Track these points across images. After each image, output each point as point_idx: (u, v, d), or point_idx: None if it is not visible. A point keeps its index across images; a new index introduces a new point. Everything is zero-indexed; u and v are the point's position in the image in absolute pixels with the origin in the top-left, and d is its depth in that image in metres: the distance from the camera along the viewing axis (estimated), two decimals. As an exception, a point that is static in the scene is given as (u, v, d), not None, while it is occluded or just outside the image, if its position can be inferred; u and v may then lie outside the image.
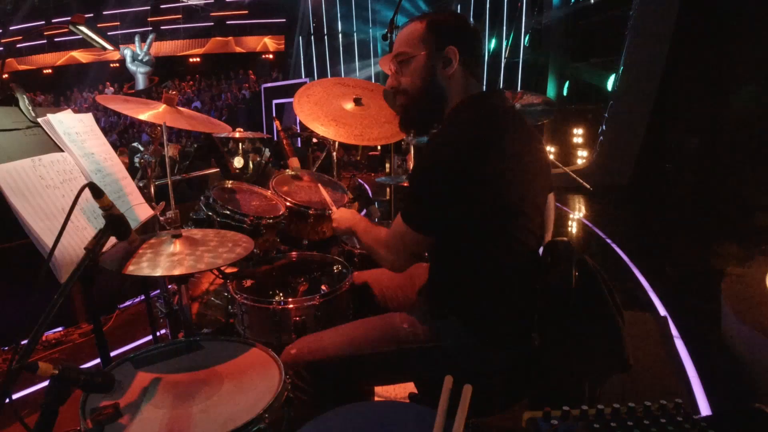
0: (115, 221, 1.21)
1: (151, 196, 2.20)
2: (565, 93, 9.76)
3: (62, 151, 1.70)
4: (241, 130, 3.48)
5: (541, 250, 1.53)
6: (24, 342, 1.00)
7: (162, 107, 2.10)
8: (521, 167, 1.33)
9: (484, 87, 1.50)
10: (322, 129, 2.28)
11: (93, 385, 1.07)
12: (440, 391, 1.01)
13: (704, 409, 2.36)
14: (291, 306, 1.71)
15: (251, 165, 3.58)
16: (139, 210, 1.92)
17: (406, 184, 2.97)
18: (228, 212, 2.03)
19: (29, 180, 1.48)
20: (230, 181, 2.32)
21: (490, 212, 1.32)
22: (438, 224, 1.37)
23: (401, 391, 2.07)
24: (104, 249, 1.26)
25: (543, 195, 1.47)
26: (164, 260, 1.42)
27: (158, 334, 2.32)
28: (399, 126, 1.58)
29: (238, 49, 23.27)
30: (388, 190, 3.41)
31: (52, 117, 1.72)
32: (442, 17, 1.44)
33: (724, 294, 2.84)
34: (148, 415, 1.15)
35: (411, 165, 3.47)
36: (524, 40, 11.37)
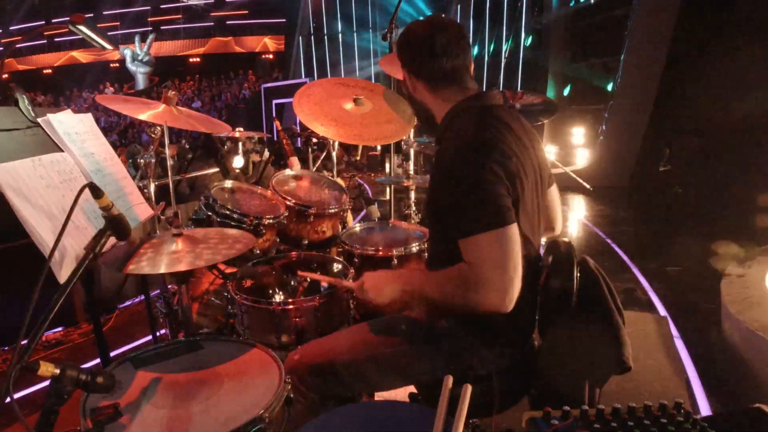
0: (115, 221, 1.21)
1: (151, 196, 2.20)
2: (565, 93, 9.76)
3: (62, 151, 1.70)
4: (241, 130, 3.49)
5: (542, 250, 1.53)
6: (24, 342, 1.00)
7: (162, 107, 2.10)
8: (520, 165, 1.33)
9: (484, 86, 1.49)
10: (322, 129, 2.28)
11: (93, 385, 1.07)
12: (440, 391, 1.01)
13: (704, 409, 2.36)
14: (291, 306, 1.71)
15: (251, 165, 3.58)
16: (139, 210, 1.92)
17: (404, 184, 2.97)
18: (228, 212, 2.03)
19: (29, 180, 1.48)
20: (230, 181, 2.32)
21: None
22: (509, 205, 1.23)
23: (401, 391, 2.06)
24: (104, 249, 1.26)
25: (542, 193, 1.47)
26: (164, 258, 1.42)
27: (158, 334, 2.32)
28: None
29: (238, 49, 23.28)
30: (388, 190, 3.41)
31: (52, 117, 1.72)
32: (405, 35, 1.49)
33: (724, 294, 2.84)
34: (148, 415, 1.15)
35: (410, 167, 3.47)
36: (524, 41, 11.37)
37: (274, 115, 13.41)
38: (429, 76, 1.44)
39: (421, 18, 1.60)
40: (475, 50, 13.10)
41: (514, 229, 1.21)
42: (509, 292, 1.17)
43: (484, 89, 1.50)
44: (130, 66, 20.91)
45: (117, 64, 22.33)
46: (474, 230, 1.20)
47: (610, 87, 8.15)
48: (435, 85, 1.45)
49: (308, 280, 2.04)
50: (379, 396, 1.68)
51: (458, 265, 1.24)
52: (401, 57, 1.49)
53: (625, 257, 4.52)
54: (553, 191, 1.59)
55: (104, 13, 22.54)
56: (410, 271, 1.54)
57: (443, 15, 1.52)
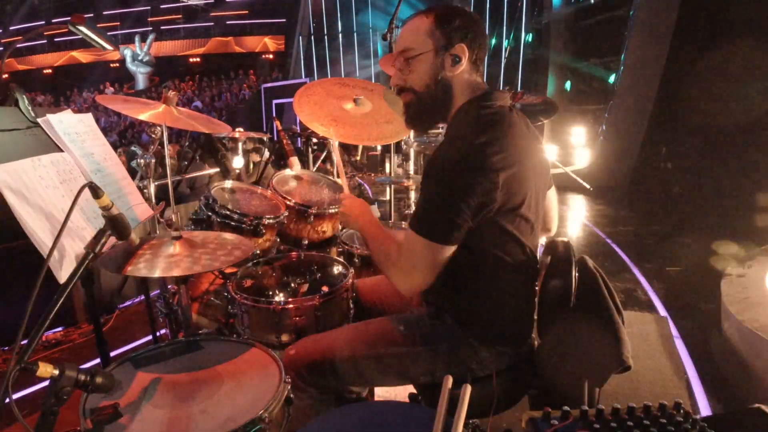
0: (114, 221, 1.21)
1: (151, 196, 2.20)
2: (565, 93, 9.76)
3: (62, 151, 1.70)
4: (241, 130, 3.49)
5: (541, 250, 1.53)
6: (24, 342, 1.00)
7: (162, 107, 2.10)
8: (524, 168, 1.33)
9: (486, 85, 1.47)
10: (322, 129, 2.28)
11: (93, 385, 1.07)
12: (440, 391, 1.01)
13: (704, 409, 2.36)
14: (291, 306, 1.71)
15: (251, 165, 3.58)
16: (138, 210, 1.92)
17: (404, 184, 2.97)
18: (228, 212, 2.02)
19: (29, 180, 1.48)
20: (230, 181, 2.32)
21: (495, 214, 1.30)
22: (461, 232, 1.29)
23: (401, 391, 2.07)
24: (104, 249, 1.26)
25: (542, 195, 1.47)
26: (162, 261, 1.42)
27: (158, 334, 2.32)
28: (405, 123, 1.52)
29: (238, 49, 23.29)
30: (388, 190, 3.41)
31: (51, 117, 1.72)
32: (450, 12, 1.38)
33: (724, 294, 2.84)
34: (148, 415, 1.15)
35: (410, 167, 3.48)
36: (524, 40, 11.37)
37: (274, 115, 13.42)
38: (479, 55, 1.40)
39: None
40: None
41: (449, 251, 1.31)
42: (415, 289, 1.39)
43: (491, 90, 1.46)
44: (130, 66, 20.96)
45: (117, 64, 22.37)
46: (419, 231, 1.30)
47: (610, 87, 8.15)
48: (477, 66, 1.42)
49: (308, 280, 2.04)
50: (379, 396, 1.68)
51: (398, 243, 1.39)
52: (460, 30, 1.36)
53: (625, 257, 4.52)
54: (552, 193, 1.59)
55: (104, 13, 22.56)
56: (373, 223, 1.55)
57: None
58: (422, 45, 1.37)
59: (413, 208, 3.17)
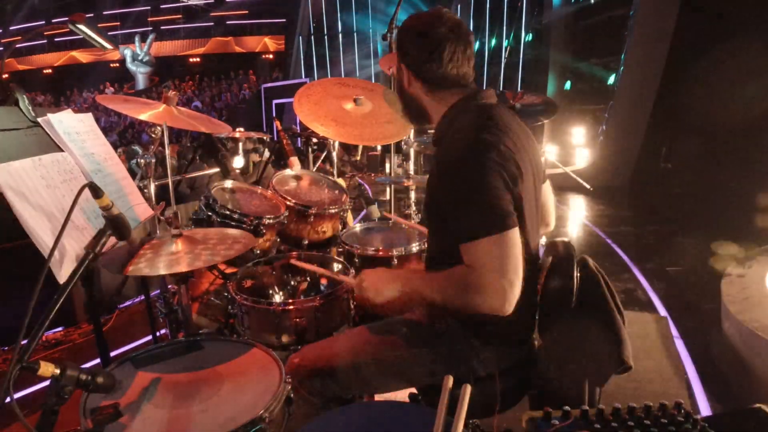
0: (114, 221, 1.21)
1: (151, 196, 2.20)
2: (565, 93, 9.76)
3: (62, 151, 1.70)
4: (242, 130, 3.49)
5: (542, 250, 1.53)
6: (24, 342, 1.00)
7: (162, 107, 2.10)
8: (519, 166, 1.33)
9: (484, 84, 1.47)
10: (322, 129, 2.29)
11: (93, 385, 1.07)
12: (440, 391, 1.01)
13: (704, 409, 2.36)
14: (291, 307, 1.71)
15: (251, 165, 3.59)
16: (139, 210, 1.92)
17: (404, 184, 2.97)
18: (228, 212, 2.03)
19: (29, 180, 1.48)
20: (230, 181, 2.32)
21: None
22: (512, 209, 1.22)
23: (401, 391, 2.07)
24: (104, 249, 1.26)
25: (539, 190, 1.47)
26: (163, 259, 1.42)
27: (158, 334, 2.32)
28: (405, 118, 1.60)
29: (238, 49, 23.29)
30: (388, 190, 3.41)
31: (52, 117, 1.72)
32: (403, 28, 1.44)
33: (724, 294, 2.83)
34: (149, 415, 1.15)
35: (410, 167, 3.47)
36: (524, 40, 11.37)
37: (274, 115, 13.42)
38: (430, 80, 1.42)
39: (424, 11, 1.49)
40: (475, 48, 13.08)
41: (515, 233, 1.20)
42: (509, 296, 1.17)
43: (481, 87, 1.48)
44: (130, 66, 20.95)
45: (117, 64, 22.36)
46: (476, 234, 1.20)
47: (610, 87, 8.15)
48: (434, 89, 1.43)
49: (308, 280, 2.04)
50: (379, 396, 1.68)
51: (458, 267, 1.23)
52: (402, 50, 1.44)
53: (625, 257, 4.52)
54: (547, 187, 1.59)
55: (104, 13, 22.55)
56: (409, 272, 1.52)
57: (447, 10, 1.44)
58: (395, 59, 1.47)
59: (413, 208, 3.17)
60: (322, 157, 3.96)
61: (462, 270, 1.22)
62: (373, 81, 3.39)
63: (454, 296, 1.23)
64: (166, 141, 2.18)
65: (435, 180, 1.38)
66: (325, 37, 18.26)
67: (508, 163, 1.26)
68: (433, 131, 1.51)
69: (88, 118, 1.91)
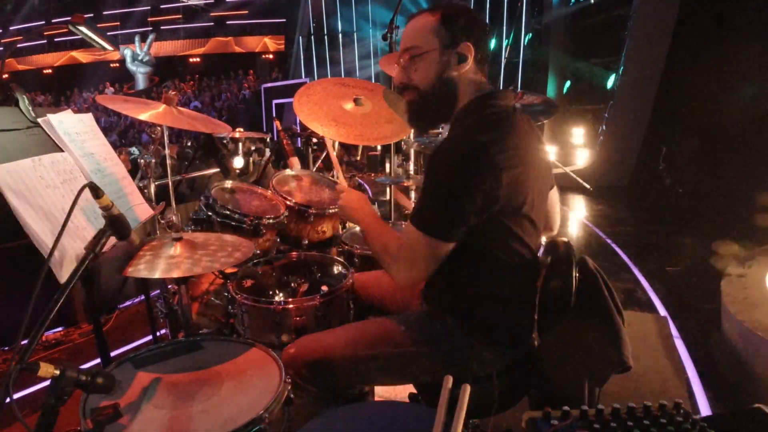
0: (114, 221, 1.21)
1: (151, 196, 2.20)
2: (565, 93, 9.76)
3: (62, 151, 1.70)
4: (242, 130, 3.49)
5: (541, 250, 1.53)
6: (24, 342, 1.00)
7: (162, 107, 2.10)
8: (526, 168, 1.33)
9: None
10: (322, 129, 2.28)
11: (93, 385, 1.07)
12: (440, 391, 1.01)
13: (704, 409, 2.36)
14: (291, 306, 1.71)
15: (251, 165, 3.58)
16: (139, 210, 1.92)
17: (404, 184, 2.97)
18: (228, 212, 2.03)
19: (29, 180, 1.48)
20: (230, 181, 2.32)
21: (497, 214, 1.30)
22: (462, 229, 1.29)
23: (401, 391, 2.07)
24: (104, 249, 1.26)
25: (544, 195, 1.47)
26: (162, 263, 1.42)
27: (158, 334, 2.32)
28: (407, 121, 1.53)
29: (238, 49, 23.28)
30: (388, 190, 3.41)
31: (52, 117, 1.72)
32: (456, 10, 1.38)
33: (724, 294, 2.84)
34: (149, 415, 1.15)
35: (410, 167, 3.47)
36: (524, 40, 11.36)
37: (274, 115, 13.42)
38: (483, 54, 1.40)
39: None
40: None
41: (448, 247, 1.31)
42: (410, 281, 1.40)
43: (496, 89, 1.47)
44: (130, 66, 20.94)
45: (117, 64, 22.36)
46: (420, 226, 1.31)
47: (610, 87, 8.14)
48: (483, 70, 1.42)
49: (308, 279, 2.04)
50: (379, 396, 1.68)
51: (399, 237, 1.40)
52: (466, 28, 1.36)
53: (625, 257, 4.52)
54: (554, 193, 1.59)
55: (104, 13, 22.55)
56: (374, 217, 1.56)
57: None
58: (428, 43, 1.37)
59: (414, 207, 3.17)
60: (322, 157, 3.96)
61: (398, 241, 1.39)
62: (373, 81, 3.38)
63: (381, 253, 1.43)
64: (167, 141, 2.18)
65: (431, 164, 1.39)
66: (325, 37, 18.26)
67: (498, 174, 1.25)
68: (433, 132, 1.51)
69: (88, 118, 1.91)
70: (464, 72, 1.38)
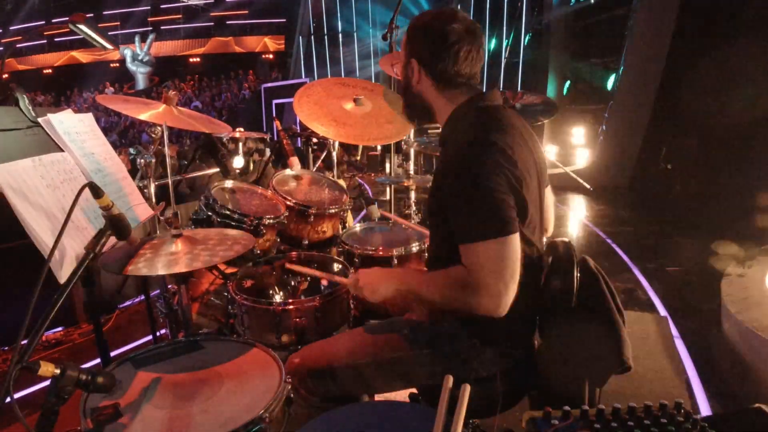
0: (115, 221, 1.21)
1: (151, 196, 2.20)
2: (565, 93, 9.76)
3: (62, 151, 1.70)
4: (242, 130, 3.49)
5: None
6: (24, 342, 1.00)
7: (162, 107, 2.10)
8: (527, 165, 1.33)
9: (484, 86, 1.48)
10: (322, 129, 2.29)
11: (93, 385, 1.07)
12: (440, 390, 1.01)
13: (704, 409, 2.36)
14: (291, 306, 1.71)
15: (251, 165, 3.58)
16: (139, 210, 1.92)
17: (406, 184, 2.96)
18: (228, 212, 2.02)
19: (29, 180, 1.48)
20: (230, 181, 2.32)
21: None
22: (514, 216, 1.23)
23: (401, 391, 2.07)
24: (104, 249, 1.26)
25: (541, 193, 1.47)
26: (162, 259, 1.42)
27: (158, 334, 2.32)
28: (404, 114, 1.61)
29: (238, 49, 23.28)
30: (388, 190, 3.41)
31: (52, 117, 1.72)
32: (415, 23, 1.43)
33: (724, 294, 2.84)
34: (149, 415, 1.15)
35: (410, 167, 3.47)
36: (524, 40, 11.36)
37: (274, 115, 13.42)
38: (442, 78, 1.41)
39: (436, 8, 1.52)
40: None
41: (515, 239, 1.22)
42: (504, 299, 1.20)
43: (484, 89, 1.48)
44: (130, 66, 20.95)
45: (117, 64, 22.37)
46: (477, 237, 1.21)
47: (610, 87, 8.15)
48: (444, 86, 1.42)
49: (308, 279, 2.04)
50: (379, 396, 1.68)
51: (456, 267, 1.25)
52: (414, 46, 1.41)
53: (625, 257, 4.52)
54: (548, 193, 1.59)
55: (104, 13, 22.55)
56: (406, 271, 1.53)
57: (460, 10, 1.45)
58: (401, 56, 1.47)
59: (413, 208, 3.17)
60: (322, 157, 3.96)
61: (460, 270, 1.24)
62: (373, 81, 3.38)
63: (450, 296, 1.26)
64: (166, 141, 2.18)
65: (439, 180, 1.38)
66: (325, 37, 18.26)
67: (512, 166, 1.26)
68: (433, 130, 1.53)
69: (88, 118, 1.91)
70: (422, 85, 1.44)
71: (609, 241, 5.08)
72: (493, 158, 1.25)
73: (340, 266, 2.06)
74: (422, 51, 1.40)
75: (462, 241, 1.24)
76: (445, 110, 1.43)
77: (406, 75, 1.46)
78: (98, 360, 1.76)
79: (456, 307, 1.25)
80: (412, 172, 3.16)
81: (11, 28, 22.16)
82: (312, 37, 18.33)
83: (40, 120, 1.73)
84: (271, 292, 1.99)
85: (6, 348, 2.82)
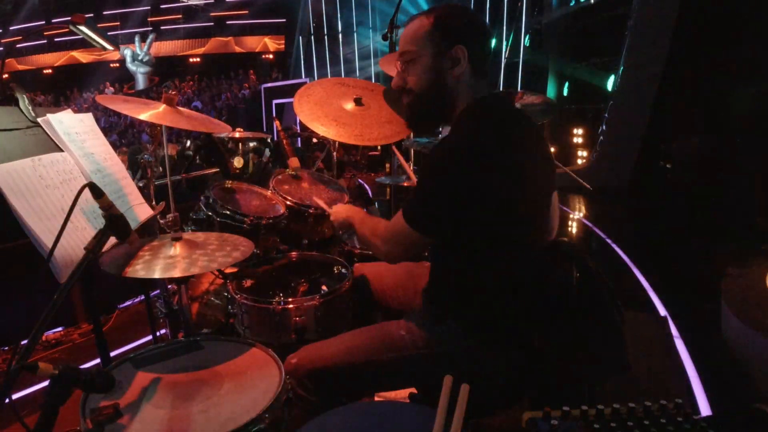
0: (114, 221, 1.21)
1: (151, 196, 2.20)
2: (565, 93, 9.75)
3: (62, 151, 1.70)
4: (241, 130, 3.49)
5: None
6: (24, 342, 1.00)
7: (162, 107, 2.10)
8: (528, 171, 1.33)
9: (491, 86, 1.48)
10: (322, 129, 2.28)
11: (93, 385, 1.07)
12: (440, 391, 1.01)
13: (704, 409, 2.36)
14: (291, 306, 1.71)
15: (251, 165, 3.58)
16: (138, 210, 1.92)
17: (406, 184, 2.97)
18: (228, 212, 2.03)
19: (29, 180, 1.48)
20: (230, 181, 2.32)
21: (497, 216, 1.30)
22: (440, 227, 1.34)
23: (401, 390, 2.07)
24: (104, 249, 1.26)
25: (547, 197, 1.47)
26: (160, 263, 1.42)
27: (158, 334, 2.32)
28: (406, 125, 1.57)
29: (238, 49, 23.27)
30: (388, 190, 3.41)
31: (52, 117, 1.72)
32: (450, 13, 1.37)
33: (724, 294, 2.84)
34: (148, 415, 1.15)
35: (408, 167, 3.47)
36: (524, 40, 11.36)
37: (274, 115, 13.41)
38: (483, 64, 1.40)
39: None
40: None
41: (423, 239, 1.38)
42: (389, 257, 1.49)
43: (497, 91, 1.48)
44: (130, 66, 20.91)
45: (117, 64, 22.35)
46: (406, 215, 1.36)
47: (610, 87, 8.14)
48: (481, 74, 1.41)
49: (308, 280, 2.04)
50: (379, 396, 1.68)
51: (388, 222, 1.47)
52: (457, 32, 1.35)
53: (625, 257, 4.52)
54: (554, 198, 1.59)
55: (104, 13, 22.55)
56: (360, 211, 1.69)
57: None
58: (422, 48, 1.37)
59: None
60: (321, 157, 3.96)
61: (386, 223, 1.48)
62: (373, 81, 3.38)
63: (368, 233, 1.55)
64: (166, 141, 2.18)
65: (431, 156, 1.40)
66: (326, 37, 18.25)
67: (493, 171, 1.25)
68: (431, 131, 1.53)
69: (88, 118, 1.91)
70: (458, 76, 1.37)
71: (609, 241, 5.08)
72: (475, 160, 1.25)
73: (340, 266, 2.06)
74: (472, 35, 1.37)
75: (403, 208, 1.39)
76: (467, 99, 1.40)
77: (440, 69, 1.37)
78: (98, 360, 1.76)
79: (367, 242, 1.56)
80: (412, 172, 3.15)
81: (11, 28, 22.15)
82: (312, 37, 18.33)
83: (39, 120, 1.73)
84: (271, 291, 1.99)
85: (6, 348, 2.82)
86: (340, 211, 1.79)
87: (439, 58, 1.36)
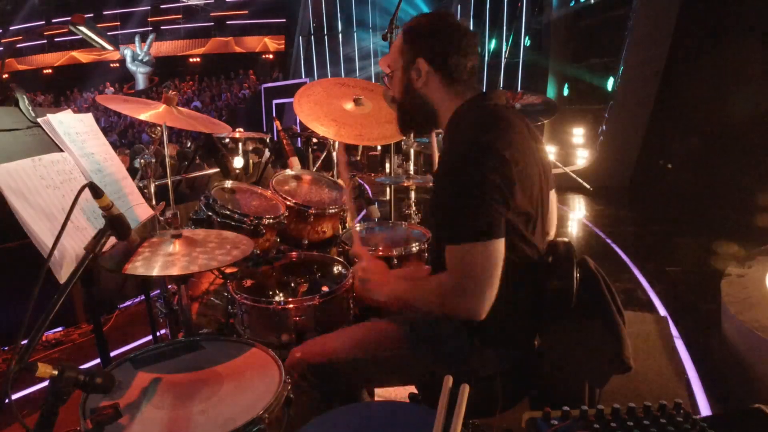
0: (114, 221, 1.21)
1: (151, 196, 2.20)
2: (565, 93, 9.76)
3: (62, 151, 1.70)
4: (241, 130, 3.49)
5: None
6: (24, 342, 1.00)
7: (162, 107, 2.10)
8: (528, 166, 1.33)
9: (484, 86, 1.48)
10: (322, 129, 2.29)
11: (93, 385, 1.07)
12: (440, 391, 1.01)
13: (704, 409, 2.36)
14: (291, 306, 1.71)
15: (251, 165, 3.58)
16: (138, 210, 1.92)
17: (406, 184, 2.96)
18: (228, 212, 2.02)
19: (29, 180, 1.48)
20: (230, 181, 2.32)
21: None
22: (501, 221, 1.23)
23: (401, 391, 2.07)
24: (104, 249, 1.26)
25: (545, 195, 1.47)
26: (160, 260, 1.42)
27: (158, 334, 2.32)
28: (398, 129, 1.59)
29: (238, 49, 23.30)
30: (388, 190, 3.41)
31: (52, 117, 1.72)
32: (417, 24, 1.43)
33: (724, 294, 2.83)
34: (148, 415, 1.15)
35: (410, 167, 3.47)
36: (524, 41, 11.36)
37: (274, 115, 13.42)
38: (454, 71, 1.40)
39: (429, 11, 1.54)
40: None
41: (500, 244, 1.23)
42: (482, 303, 1.23)
43: (484, 89, 1.48)
44: (130, 66, 20.95)
45: (117, 64, 22.38)
46: (461, 238, 1.22)
47: (610, 87, 8.15)
48: (453, 81, 1.41)
49: (308, 280, 2.04)
50: (380, 396, 1.68)
51: (439, 274, 1.30)
52: (419, 45, 1.40)
53: (625, 257, 4.52)
54: (552, 195, 1.59)
55: (104, 13, 22.57)
56: (398, 278, 1.52)
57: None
58: (395, 62, 1.46)
59: (413, 208, 3.17)
60: (322, 157, 3.96)
61: (441, 276, 1.28)
62: (373, 81, 3.39)
63: (433, 302, 1.30)
64: (166, 141, 2.18)
65: (438, 179, 1.39)
66: (326, 37, 18.26)
67: (508, 169, 1.25)
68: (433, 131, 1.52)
69: (88, 118, 1.91)
70: (425, 85, 1.42)
71: (609, 241, 5.08)
72: (490, 162, 1.24)
73: (340, 267, 2.06)
74: (431, 47, 1.40)
75: (448, 242, 1.25)
76: (450, 109, 1.42)
77: (408, 79, 1.43)
78: (98, 360, 1.76)
79: (438, 311, 1.29)
80: (412, 172, 3.16)
81: (11, 28, 22.16)
82: (312, 37, 18.34)
83: (39, 120, 1.73)
84: (271, 291, 1.99)
85: (6, 348, 2.82)
86: (372, 273, 1.51)
87: (408, 70, 1.43)
